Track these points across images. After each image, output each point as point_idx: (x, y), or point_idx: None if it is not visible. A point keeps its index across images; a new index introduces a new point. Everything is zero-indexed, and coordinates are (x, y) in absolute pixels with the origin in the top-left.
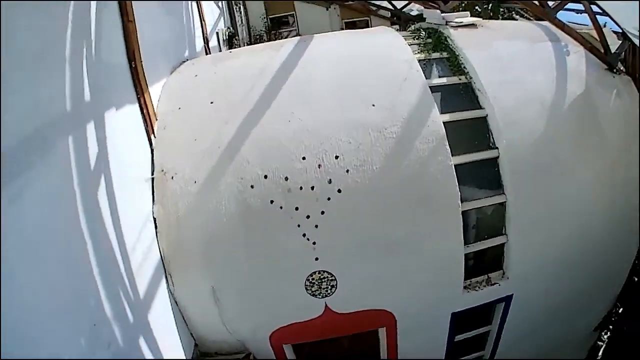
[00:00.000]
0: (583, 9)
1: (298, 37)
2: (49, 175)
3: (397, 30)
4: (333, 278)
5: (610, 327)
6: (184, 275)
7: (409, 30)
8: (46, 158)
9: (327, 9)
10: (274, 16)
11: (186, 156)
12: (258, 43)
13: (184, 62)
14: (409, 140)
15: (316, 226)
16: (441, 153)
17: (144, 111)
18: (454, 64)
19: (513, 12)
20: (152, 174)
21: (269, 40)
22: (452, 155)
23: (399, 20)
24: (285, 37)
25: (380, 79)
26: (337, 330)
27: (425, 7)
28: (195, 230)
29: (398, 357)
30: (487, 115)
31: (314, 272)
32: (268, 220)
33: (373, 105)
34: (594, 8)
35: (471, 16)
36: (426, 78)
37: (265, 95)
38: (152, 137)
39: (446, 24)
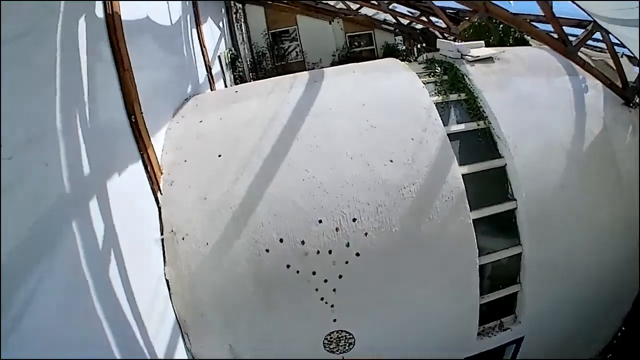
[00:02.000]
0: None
1: (307, 75)
2: (58, 269)
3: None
4: (351, 337)
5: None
6: (201, 336)
7: (421, 62)
8: (51, 251)
9: (330, 23)
10: (275, 31)
11: (196, 216)
12: (261, 61)
13: (187, 99)
14: (428, 200)
15: (334, 290)
16: (460, 212)
17: (148, 168)
18: (472, 107)
19: (523, 34)
20: (162, 234)
21: (272, 55)
22: (471, 210)
23: (402, 32)
24: (289, 53)
25: (399, 132)
26: None
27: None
28: (210, 292)
29: None
30: (506, 164)
31: (332, 332)
32: (284, 284)
33: (391, 161)
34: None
35: (481, 36)
36: (444, 124)
37: (276, 149)
38: (158, 194)
39: (461, 57)
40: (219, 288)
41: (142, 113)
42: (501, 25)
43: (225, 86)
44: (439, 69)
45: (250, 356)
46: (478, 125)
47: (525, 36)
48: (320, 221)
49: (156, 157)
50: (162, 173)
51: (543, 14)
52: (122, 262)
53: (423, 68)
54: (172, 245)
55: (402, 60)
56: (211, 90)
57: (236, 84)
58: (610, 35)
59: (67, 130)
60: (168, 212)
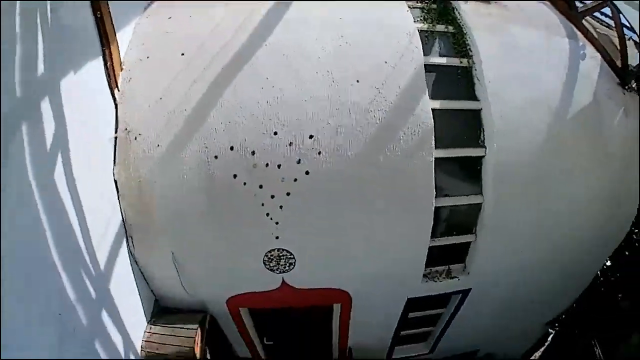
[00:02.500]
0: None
1: None
2: (8, 178)
3: None
4: (292, 256)
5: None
6: (145, 240)
7: None
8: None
9: None
10: None
11: (151, 116)
12: None
13: None
14: (393, 129)
15: (280, 207)
16: (424, 147)
17: (108, 64)
18: (459, 42)
19: None
20: (116, 132)
21: None
22: (436, 148)
23: None
24: None
25: (374, 53)
26: (293, 302)
27: None
28: (157, 197)
29: (349, 328)
30: (481, 109)
31: (273, 249)
32: (230, 194)
33: (358, 81)
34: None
35: None
36: (424, 54)
37: (240, 54)
38: (115, 91)
39: None
40: (167, 192)
41: (108, 8)
42: None
43: None
44: None
45: (192, 266)
46: (461, 62)
47: None
48: (275, 133)
49: (119, 54)
50: (121, 70)
51: None
52: (70, 164)
53: None
54: (125, 145)
55: None
56: None
57: None
58: (621, 15)
59: (25, 34)
60: (124, 110)
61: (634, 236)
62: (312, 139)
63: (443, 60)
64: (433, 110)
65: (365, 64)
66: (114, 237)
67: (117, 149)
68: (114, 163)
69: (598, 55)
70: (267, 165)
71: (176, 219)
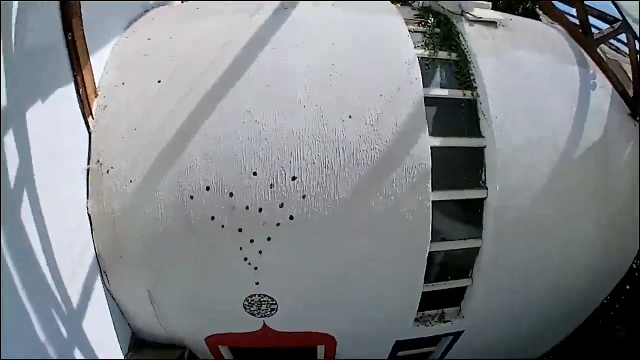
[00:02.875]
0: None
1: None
2: None
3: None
4: (274, 302)
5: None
6: (119, 275)
7: (414, 8)
8: None
9: None
10: None
11: (124, 148)
12: None
13: (148, 10)
14: (386, 170)
15: (260, 252)
16: (421, 191)
17: (81, 91)
18: (462, 72)
19: (536, 7)
20: (89, 163)
21: None
22: (434, 190)
23: None
24: None
25: (368, 85)
26: (274, 344)
27: None
28: (132, 235)
29: None
30: (485, 146)
31: (254, 295)
32: (207, 236)
33: (350, 117)
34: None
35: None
36: (424, 86)
37: (220, 83)
38: (89, 119)
39: (461, 14)
40: (141, 231)
41: (82, 29)
42: None
43: None
44: (432, 19)
45: (169, 304)
46: (464, 95)
47: (537, 9)
48: (254, 173)
49: (92, 79)
50: (96, 96)
51: None
52: (37, 199)
53: (414, 15)
54: (97, 178)
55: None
56: (182, 1)
57: None
58: (636, 42)
59: None
60: (97, 140)
61: (634, 265)
62: (295, 180)
63: (445, 93)
64: (432, 148)
65: (358, 97)
66: (89, 269)
67: (89, 181)
68: (87, 196)
69: (609, 84)
70: (246, 207)
71: (152, 258)
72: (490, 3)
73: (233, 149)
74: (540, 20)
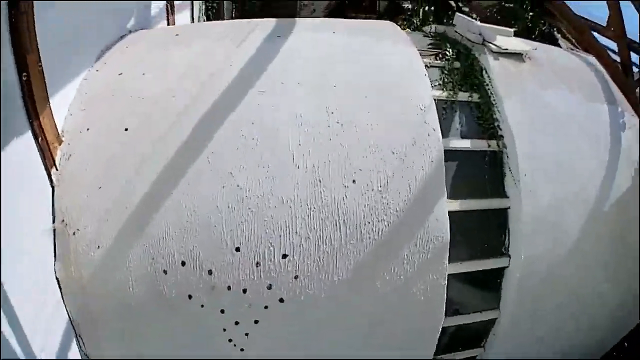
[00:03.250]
0: None
1: (272, 24)
2: None
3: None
4: None
5: None
6: (94, 341)
7: (427, 35)
8: None
9: None
10: None
11: (89, 208)
12: None
13: (124, 35)
14: (396, 247)
15: (246, 334)
16: (435, 268)
17: (40, 140)
18: (486, 117)
19: (554, 30)
20: (54, 222)
21: None
22: (450, 262)
23: None
24: None
25: (376, 139)
26: None
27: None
28: (103, 306)
29: None
30: (509, 208)
31: None
32: (186, 315)
33: (354, 182)
34: None
35: (504, 22)
36: (443, 136)
37: (196, 137)
38: (52, 170)
39: (483, 44)
40: (113, 304)
41: (40, 66)
42: (531, 13)
43: (192, 20)
44: (450, 50)
45: None
46: (489, 146)
47: (555, 32)
48: (237, 249)
49: (53, 124)
50: (60, 143)
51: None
52: None
53: (428, 45)
54: (63, 239)
55: (404, 21)
56: (167, 24)
57: (207, 16)
58: None
59: None
60: (61, 196)
61: None
62: (287, 258)
63: (467, 144)
64: (450, 213)
65: (361, 154)
66: (63, 331)
67: (56, 243)
68: (54, 258)
69: (636, 121)
70: (228, 288)
71: (125, 331)
72: (512, 30)
73: (211, 220)
74: (558, 44)
